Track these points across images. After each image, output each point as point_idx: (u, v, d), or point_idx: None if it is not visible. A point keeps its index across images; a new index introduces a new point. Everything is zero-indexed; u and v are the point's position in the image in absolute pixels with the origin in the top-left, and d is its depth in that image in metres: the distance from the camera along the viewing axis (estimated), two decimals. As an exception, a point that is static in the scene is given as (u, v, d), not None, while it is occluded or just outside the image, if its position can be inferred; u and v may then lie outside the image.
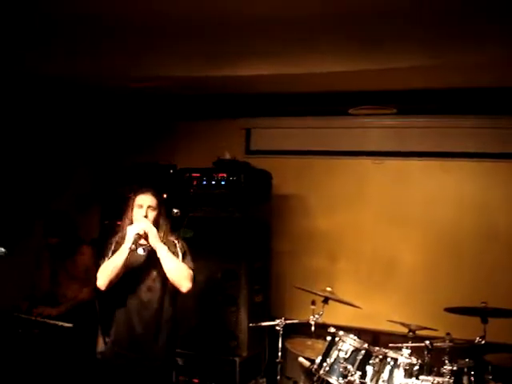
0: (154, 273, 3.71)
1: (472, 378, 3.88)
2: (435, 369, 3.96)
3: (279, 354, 4.47)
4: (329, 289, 4.45)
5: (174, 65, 4.64)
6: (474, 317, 4.05)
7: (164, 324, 3.75)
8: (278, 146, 5.67)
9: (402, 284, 5.23)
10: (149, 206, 3.76)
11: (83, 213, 5.54)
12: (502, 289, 4.77)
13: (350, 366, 3.97)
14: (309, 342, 4.48)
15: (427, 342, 3.93)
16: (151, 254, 3.69)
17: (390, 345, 4.12)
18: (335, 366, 4.02)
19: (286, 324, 4.46)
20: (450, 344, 3.98)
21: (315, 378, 4.15)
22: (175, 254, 3.73)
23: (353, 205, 5.44)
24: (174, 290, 3.71)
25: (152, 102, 5.73)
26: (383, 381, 3.91)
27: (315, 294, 4.43)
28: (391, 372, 3.91)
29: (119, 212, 4.01)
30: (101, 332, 4.78)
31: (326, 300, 4.41)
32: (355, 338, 4.07)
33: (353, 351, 4.04)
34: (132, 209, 3.80)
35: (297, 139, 5.64)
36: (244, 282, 4.79)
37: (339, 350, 4.06)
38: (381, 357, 3.98)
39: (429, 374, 3.87)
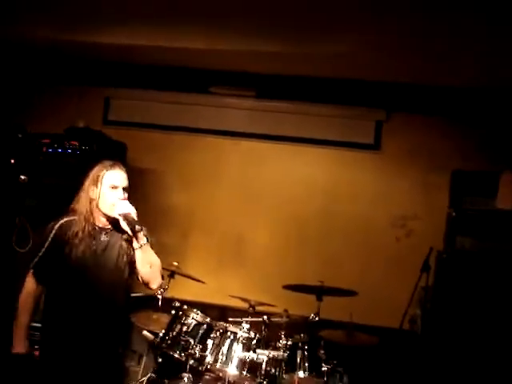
0: (112, 264, 3.18)
1: (305, 353, 4.11)
2: (272, 343, 4.15)
3: (122, 327, 4.45)
4: (175, 263, 4.50)
5: (38, 25, 4.47)
6: (311, 295, 4.28)
7: (117, 323, 3.25)
8: (137, 119, 5.57)
9: (249, 261, 5.39)
10: (124, 188, 3.23)
11: None
12: (339, 269, 5.07)
13: (191, 340, 4.05)
14: (154, 316, 4.49)
15: (265, 317, 4.10)
16: (112, 241, 3.20)
17: (230, 319, 4.25)
18: (177, 340, 4.09)
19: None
20: (286, 320, 4.18)
21: (158, 352, 4.20)
22: None
23: (208, 182, 5.50)
24: (131, 284, 3.30)
25: (17, 64, 5.46)
26: (222, 354, 4.03)
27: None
28: (230, 345, 4.04)
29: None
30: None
31: (172, 274, 4.46)
32: (198, 312, 4.16)
33: (195, 325, 4.12)
34: (97, 187, 3.20)
35: (156, 113, 5.57)
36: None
37: (182, 323, 4.13)
38: (221, 331, 4.10)
39: (265, 348, 4.05)
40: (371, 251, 5.20)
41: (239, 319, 4.16)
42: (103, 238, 3.20)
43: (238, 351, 4.01)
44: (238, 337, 4.04)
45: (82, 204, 3.22)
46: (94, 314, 3.13)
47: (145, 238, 3.15)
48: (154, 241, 3.31)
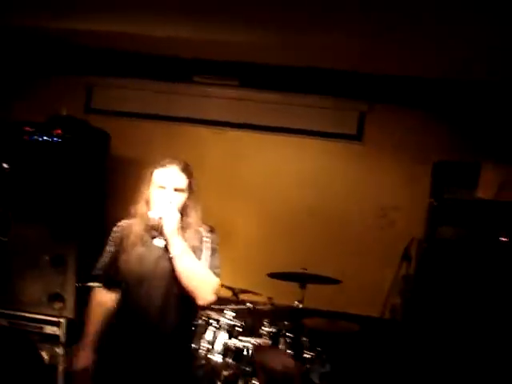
0: (165, 274, 2.91)
1: (289, 340, 4.14)
2: (256, 330, 4.18)
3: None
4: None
5: (17, 12, 4.42)
6: (296, 283, 4.31)
7: (174, 348, 2.97)
8: (120, 107, 5.53)
9: (235, 251, 5.36)
10: (176, 189, 2.95)
11: None
12: (321, 258, 5.07)
13: (175, 327, 4.05)
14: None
15: (249, 305, 4.13)
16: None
17: (214, 307, 4.26)
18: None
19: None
20: (270, 307, 4.21)
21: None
22: (197, 251, 2.94)
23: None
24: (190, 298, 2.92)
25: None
26: (207, 341, 4.05)
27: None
28: (214, 333, 4.07)
29: None
30: None
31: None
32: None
33: (179, 313, 4.13)
34: (149, 187, 2.97)
35: (139, 102, 5.53)
36: (74, 242, 4.65)
37: (166, 311, 4.13)
38: (205, 319, 4.12)
39: (249, 335, 4.08)
40: (353, 241, 5.24)
41: (223, 307, 4.17)
42: (157, 242, 2.97)
43: (222, 338, 4.03)
44: (221, 324, 4.07)
45: (138, 206, 3.01)
46: (145, 325, 2.89)
47: (179, 248, 2.85)
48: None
